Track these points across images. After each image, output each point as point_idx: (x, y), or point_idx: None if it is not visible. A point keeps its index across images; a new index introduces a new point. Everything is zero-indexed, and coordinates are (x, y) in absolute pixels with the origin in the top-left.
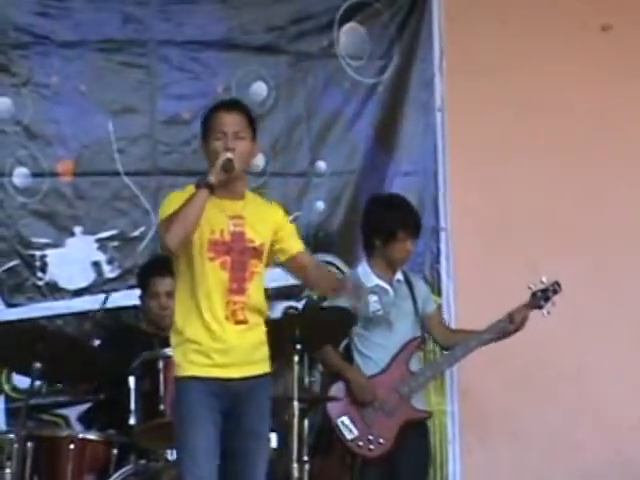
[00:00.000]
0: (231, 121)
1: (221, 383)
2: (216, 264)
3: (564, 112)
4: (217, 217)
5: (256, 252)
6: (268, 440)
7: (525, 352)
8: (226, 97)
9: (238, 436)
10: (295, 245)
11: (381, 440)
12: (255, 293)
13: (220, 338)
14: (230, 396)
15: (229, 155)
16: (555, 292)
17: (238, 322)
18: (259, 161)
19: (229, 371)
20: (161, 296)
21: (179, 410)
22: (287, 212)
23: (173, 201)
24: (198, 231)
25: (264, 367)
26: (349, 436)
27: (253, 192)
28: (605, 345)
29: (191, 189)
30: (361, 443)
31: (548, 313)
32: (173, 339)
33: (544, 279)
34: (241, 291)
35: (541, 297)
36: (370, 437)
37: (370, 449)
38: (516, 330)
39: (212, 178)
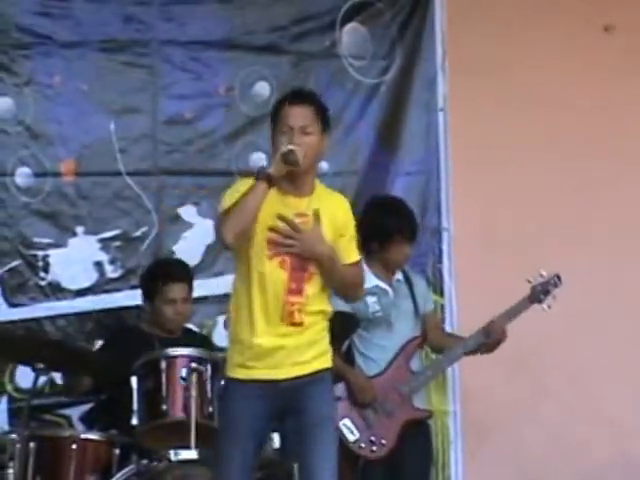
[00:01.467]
0: (298, 115)
1: (269, 385)
2: (274, 262)
3: (566, 111)
4: (280, 214)
5: None
6: (330, 425)
7: (528, 352)
8: (294, 92)
9: (300, 434)
10: (349, 256)
11: (383, 441)
12: (314, 295)
13: (274, 340)
14: (280, 398)
15: (290, 147)
16: (555, 285)
17: (294, 324)
18: (261, 161)
19: (276, 372)
20: (177, 302)
21: (221, 413)
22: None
23: (235, 191)
24: (259, 229)
25: (315, 365)
26: (351, 438)
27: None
28: (610, 345)
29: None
30: (363, 445)
31: (549, 307)
32: (230, 335)
33: (544, 272)
34: (299, 292)
35: (541, 291)
36: (372, 438)
37: (372, 450)
38: (497, 343)
39: (271, 169)
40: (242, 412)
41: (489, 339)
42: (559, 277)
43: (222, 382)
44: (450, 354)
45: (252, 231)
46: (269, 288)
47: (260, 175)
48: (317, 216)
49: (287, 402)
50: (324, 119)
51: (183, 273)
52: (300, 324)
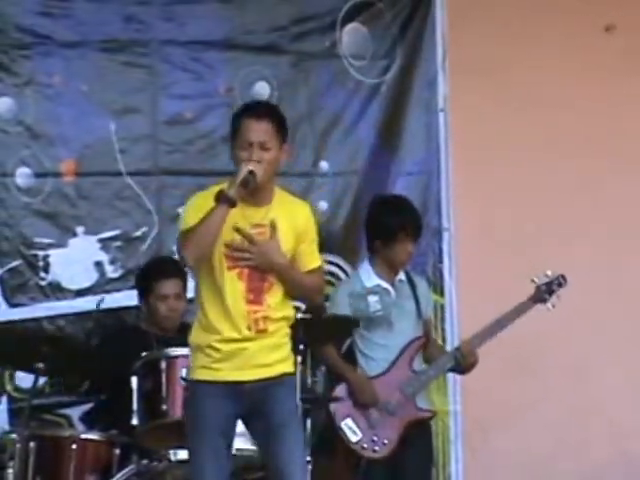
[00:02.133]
0: (258, 130)
1: (234, 386)
2: (233, 274)
3: (566, 111)
4: (239, 225)
5: None
6: (295, 423)
7: (528, 351)
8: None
9: (267, 435)
10: (310, 262)
11: (385, 441)
12: (275, 304)
13: (236, 344)
14: (246, 399)
15: (250, 167)
16: (560, 285)
17: (259, 331)
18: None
19: (241, 374)
20: (170, 298)
21: (189, 416)
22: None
23: (194, 209)
24: (218, 239)
25: (280, 368)
26: (353, 438)
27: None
28: (610, 344)
29: (214, 190)
30: (365, 445)
31: (553, 307)
32: (192, 340)
33: (549, 272)
34: (258, 302)
35: (545, 291)
36: (374, 438)
37: (375, 450)
38: (470, 364)
39: (232, 193)
40: (209, 411)
41: (459, 364)
42: (564, 277)
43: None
44: (446, 359)
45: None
46: (228, 298)
47: (222, 199)
48: (274, 227)
49: (252, 404)
50: (283, 131)
51: (175, 269)
52: (265, 331)
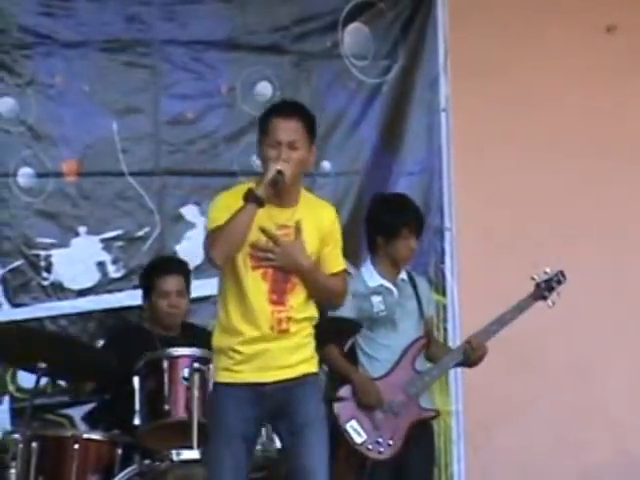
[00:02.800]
0: (287, 129)
1: (257, 388)
2: (257, 274)
3: (568, 112)
4: (265, 225)
5: None
6: (321, 425)
7: (530, 350)
8: (285, 99)
9: (291, 435)
10: (334, 265)
11: (390, 442)
12: (298, 305)
13: (258, 345)
14: (268, 401)
15: (279, 167)
16: (559, 282)
17: (282, 331)
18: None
19: (263, 376)
20: (171, 295)
21: (211, 418)
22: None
23: (221, 207)
24: (246, 238)
25: (302, 368)
26: (358, 440)
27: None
28: (613, 343)
29: (242, 189)
30: (371, 446)
31: (553, 304)
32: (215, 342)
33: (548, 269)
34: (281, 303)
35: (545, 288)
36: (379, 439)
37: (380, 451)
38: (478, 358)
39: (261, 192)
40: (231, 415)
41: (469, 357)
42: (563, 274)
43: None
44: (450, 358)
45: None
46: (252, 299)
47: (250, 198)
48: (298, 228)
49: (275, 405)
50: (312, 132)
51: (177, 266)
52: (287, 331)
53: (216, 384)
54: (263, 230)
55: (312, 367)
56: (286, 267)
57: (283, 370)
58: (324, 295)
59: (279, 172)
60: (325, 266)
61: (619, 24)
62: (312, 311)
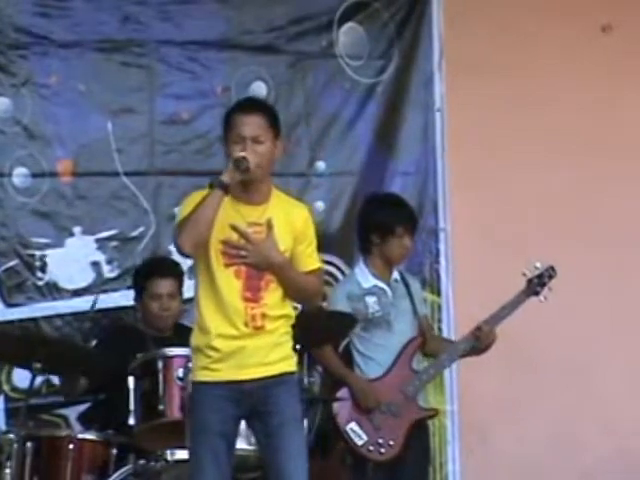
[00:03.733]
0: (250, 124)
1: (235, 386)
2: (230, 272)
3: (563, 111)
4: (235, 223)
5: None
6: (297, 424)
7: (525, 350)
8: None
9: (268, 435)
10: (308, 263)
11: (391, 442)
12: (274, 302)
13: (234, 343)
14: (247, 399)
15: (242, 154)
16: (550, 277)
17: (257, 328)
18: None
19: (241, 373)
20: (163, 297)
21: (190, 418)
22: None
23: (191, 202)
24: (214, 237)
25: (281, 367)
26: (359, 442)
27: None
28: (609, 342)
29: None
30: (371, 447)
31: (545, 299)
32: (193, 341)
33: (538, 265)
34: (256, 300)
35: (537, 283)
36: (380, 441)
37: (381, 452)
38: (486, 347)
39: (225, 177)
40: (210, 414)
41: (479, 343)
42: (553, 268)
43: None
44: (450, 352)
45: (207, 242)
46: (225, 296)
47: (215, 183)
48: (270, 225)
49: (253, 404)
50: (276, 126)
51: (169, 269)
52: (262, 328)
53: (195, 383)
54: (234, 227)
55: (291, 366)
56: (259, 265)
57: (261, 367)
58: (299, 293)
59: (243, 157)
60: (299, 264)
61: (615, 24)
62: (288, 309)
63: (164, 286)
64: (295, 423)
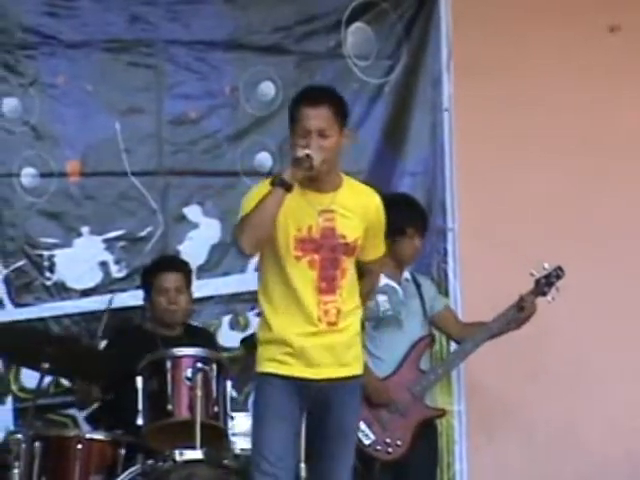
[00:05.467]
0: (316, 117)
1: (304, 383)
2: (303, 263)
3: (572, 112)
4: (305, 212)
5: (348, 248)
6: (352, 437)
7: (533, 350)
8: (313, 85)
9: (324, 437)
10: (374, 252)
11: (398, 442)
12: (347, 291)
13: (307, 339)
14: (313, 397)
15: (305, 151)
16: (558, 277)
17: (330, 324)
18: (266, 161)
19: (311, 372)
20: (170, 291)
21: (257, 407)
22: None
23: (255, 197)
24: (283, 228)
25: (353, 368)
26: (366, 441)
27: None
28: (616, 342)
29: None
30: (379, 447)
31: (553, 299)
32: (261, 334)
33: (546, 265)
34: (332, 290)
35: (545, 283)
36: (387, 440)
37: (388, 452)
38: (527, 317)
39: (286, 175)
40: (276, 399)
41: (523, 313)
42: (561, 269)
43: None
44: (468, 343)
45: (274, 233)
46: (299, 289)
47: (276, 182)
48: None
49: (319, 400)
50: (343, 116)
51: (176, 264)
52: (335, 324)
53: (262, 374)
54: None
55: (360, 368)
56: None
57: (333, 368)
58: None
59: (307, 155)
60: (369, 252)
61: (620, 24)
62: (358, 300)
63: (171, 280)
64: (352, 434)
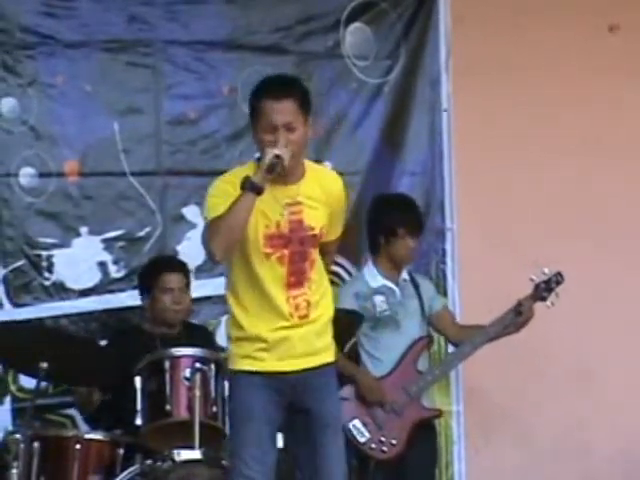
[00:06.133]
0: (282, 111)
1: (279, 377)
2: (273, 259)
3: (570, 112)
4: (272, 208)
5: (316, 239)
6: (338, 425)
7: (532, 350)
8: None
9: (308, 429)
10: (333, 233)
11: (393, 441)
12: (316, 282)
13: (278, 333)
14: (291, 390)
15: (277, 152)
16: (558, 283)
17: (302, 317)
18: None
19: (284, 365)
20: (175, 290)
21: (231, 405)
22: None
23: (219, 194)
24: (252, 226)
25: (324, 357)
26: (361, 439)
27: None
28: (615, 342)
29: (239, 173)
30: (374, 445)
31: (552, 304)
32: (232, 333)
33: (546, 270)
34: (300, 283)
35: (544, 289)
36: (382, 439)
37: (383, 451)
38: (525, 322)
39: (258, 179)
40: (253, 400)
41: (521, 317)
42: (561, 274)
43: (226, 381)
44: (467, 346)
45: (243, 233)
46: (268, 288)
47: (247, 186)
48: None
49: (295, 395)
50: (307, 106)
51: (178, 264)
52: (307, 316)
53: (235, 372)
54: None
55: (332, 356)
56: None
57: (305, 358)
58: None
59: (277, 157)
60: (329, 234)
61: (620, 24)
62: (327, 282)
63: (175, 280)
64: (337, 424)
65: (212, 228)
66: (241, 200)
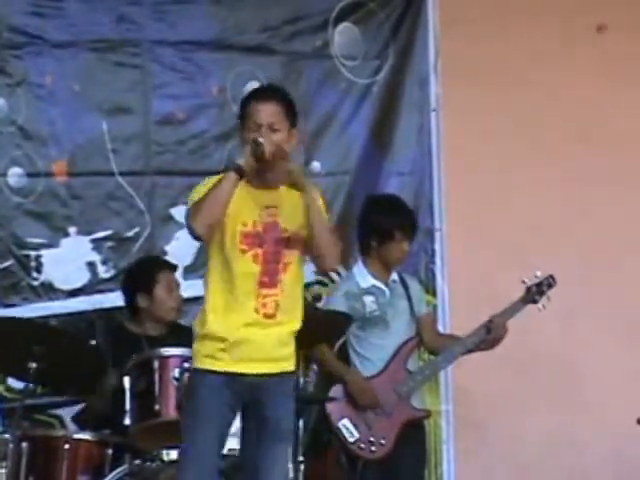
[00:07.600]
0: (266, 112)
1: (235, 378)
2: (248, 257)
3: (559, 113)
4: (250, 208)
5: (289, 242)
6: (290, 439)
7: (520, 350)
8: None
9: (259, 437)
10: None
11: (382, 441)
12: (290, 286)
13: (241, 331)
14: (247, 393)
15: (259, 139)
16: (550, 286)
17: (267, 316)
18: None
19: (244, 366)
20: (174, 291)
21: (188, 402)
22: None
23: (207, 184)
24: (230, 224)
25: (284, 365)
26: (351, 439)
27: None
28: (603, 342)
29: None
30: (363, 445)
31: (544, 307)
32: (198, 330)
33: (538, 273)
34: (273, 284)
35: (536, 291)
36: (371, 439)
37: (372, 451)
38: (495, 340)
39: (241, 161)
40: (206, 399)
41: (490, 335)
42: (553, 278)
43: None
44: (448, 353)
45: (223, 227)
46: (241, 283)
47: (230, 166)
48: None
49: (251, 399)
50: (292, 115)
51: (171, 264)
52: (273, 316)
53: (195, 370)
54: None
55: (292, 365)
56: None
57: (265, 364)
58: (321, 237)
59: (256, 142)
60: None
61: (611, 24)
62: (299, 304)
63: (173, 280)
64: (288, 435)
65: (195, 206)
66: (224, 179)
